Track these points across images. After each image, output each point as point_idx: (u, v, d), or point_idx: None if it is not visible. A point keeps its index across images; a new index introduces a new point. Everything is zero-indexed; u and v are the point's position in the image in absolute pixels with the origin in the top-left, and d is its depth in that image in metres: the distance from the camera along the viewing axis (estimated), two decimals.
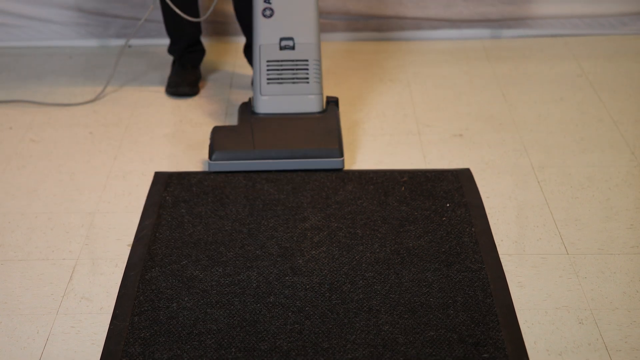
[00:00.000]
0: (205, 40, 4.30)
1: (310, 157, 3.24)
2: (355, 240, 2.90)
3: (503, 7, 4.47)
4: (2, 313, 2.63)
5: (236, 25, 4.22)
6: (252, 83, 3.44)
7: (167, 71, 4.08)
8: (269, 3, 3.28)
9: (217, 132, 3.31)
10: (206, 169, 3.32)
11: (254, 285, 2.72)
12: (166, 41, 4.24)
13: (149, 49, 4.38)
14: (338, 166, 3.24)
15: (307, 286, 2.71)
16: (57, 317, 2.61)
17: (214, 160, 3.24)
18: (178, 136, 3.61)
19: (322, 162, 3.24)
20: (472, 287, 2.69)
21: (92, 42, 4.48)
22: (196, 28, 3.91)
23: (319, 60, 3.38)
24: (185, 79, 3.92)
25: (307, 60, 3.38)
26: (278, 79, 3.38)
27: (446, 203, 3.10)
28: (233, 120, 3.66)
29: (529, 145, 3.49)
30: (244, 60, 4.11)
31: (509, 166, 3.36)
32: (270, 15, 3.30)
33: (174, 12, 3.67)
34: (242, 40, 4.23)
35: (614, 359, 2.43)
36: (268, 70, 3.37)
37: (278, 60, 3.37)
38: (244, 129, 3.32)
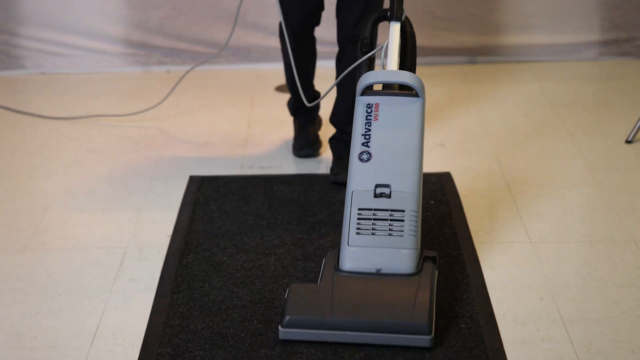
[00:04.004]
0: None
1: (395, 332, 2.33)
2: None
3: (478, 37, 4.47)
4: (66, 291, 2.66)
5: None
6: (342, 233, 2.59)
7: (198, 91, 4.07)
8: (367, 147, 2.54)
9: (293, 291, 2.44)
10: (236, 172, 3.31)
11: (272, 268, 2.74)
12: (199, 68, 4.25)
13: (182, 74, 4.38)
14: (426, 344, 2.34)
15: (315, 270, 2.72)
16: (111, 295, 2.64)
17: (286, 327, 2.37)
18: (209, 146, 3.62)
19: (407, 339, 2.33)
20: (451, 269, 2.71)
21: (137, 69, 4.49)
22: (313, 92, 3.52)
23: (418, 212, 2.51)
24: (307, 140, 3.50)
25: (403, 211, 2.49)
26: (369, 230, 2.50)
27: (430, 201, 3.11)
28: (240, 132, 3.66)
29: (500, 153, 3.50)
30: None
31: (483, 170, 3.37)
32: (367, 160, 2.54)
33: (293, 83, 3.34)
34: None
35: (568, 328, 2.44)
36: (359, 219, 2.51)
37: (371, 209, 2.51)
38: (323, 290, 2.44)
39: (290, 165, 3.44)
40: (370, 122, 2.57)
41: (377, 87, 2.60)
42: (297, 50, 3.27)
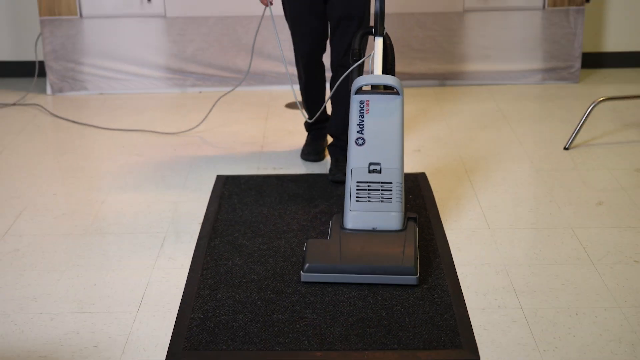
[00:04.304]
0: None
1: (389, 273, 2.48)
2: None
3: (446, 65, 4.47)
4: (117, 268, 2.64)
5: None
6: (344, 200, 2.72)
7: (224, 107, 4.06)
8: (362, 134, 2.65)
9: (310, 245, 2.58)
10: (254, 173, 3.30)
11: (282, 250, 2.71)
12: (221, 89, 4.24)
13: (213, 93, 4.38)
14: (413, 282, 2.48)
15: None
16: (153, 271, 2.62)
17: (306, 271, 2.51)
18: (232, 151, 3.60)
19: (399, 279, 2.48)
20: (426, 250, 2.68)
21: (175, 90, 4.48)
22: (323, 113, 3.49)
23: (402, 183, 2.65)
24: (314, 149, 3.48)
25: (391, 183, 2.64)
26: (365, 198, 2.65)
27: (409, 195, 3.09)
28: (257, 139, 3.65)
29: (464, 157, 3.48)
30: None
31: (451, 171, 3.35)
32: (362, 144, 2.65)
33: (308, 103, 3.36)
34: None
35: (519, 297, 2.43)
36: (357, 190, 2.65)
37: (366, 182, 2.65)
38: (333, 243, 2.59)
39: (298, 167, 3.42)
40: (363, 115, 2.66)
41: (367, 88, 2.70)
42: (308, 74, 3.29)
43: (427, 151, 3.55)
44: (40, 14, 4.34)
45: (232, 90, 3.88)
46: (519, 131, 3.78)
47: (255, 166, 3.44)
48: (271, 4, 3.17)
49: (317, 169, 3.39)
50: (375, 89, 2.68)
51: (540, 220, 2.91)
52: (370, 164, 2.65)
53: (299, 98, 3.45)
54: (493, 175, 3.29)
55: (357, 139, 2.66)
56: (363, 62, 2.76)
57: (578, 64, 4.45)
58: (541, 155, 3.49)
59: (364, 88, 2.67)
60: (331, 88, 3.25)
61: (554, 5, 4.38)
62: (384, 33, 2.77)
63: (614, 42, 4.66)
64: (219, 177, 3.31)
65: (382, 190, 2.65)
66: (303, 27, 3.19)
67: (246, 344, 2.21)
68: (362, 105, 2.65)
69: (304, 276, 2.50)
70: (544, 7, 4.39)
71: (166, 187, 3.25)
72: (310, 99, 3.38)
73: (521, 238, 2.79)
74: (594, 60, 4.68)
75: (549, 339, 2.23)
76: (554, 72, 4.47)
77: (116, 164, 3.49)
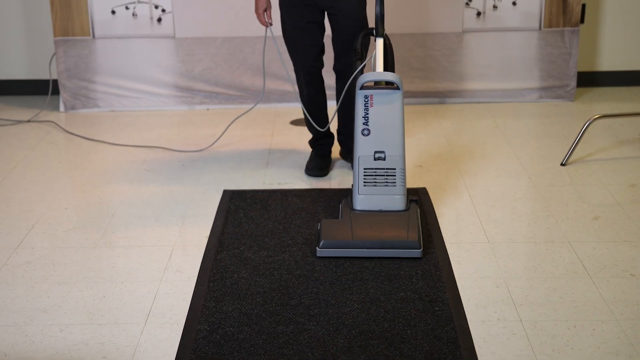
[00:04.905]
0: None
1: (396, 247, 2.67)
2: None
3: (446, 83, 4.45)
4: (126, 280, 2.61)
5: None
6: (352, 185, 2.92)
7: (232, 124, 4.04)
8: (367, 125, 2.83)
9: (324, 224, 2.77)
10: (260, 187, 3.29)
11: (287, 263, 2.68)
12: (227, 106, 4.23)
13: (220, 110, 4.37)
14: (417, 255, 2.66)
15: (321, 263, 2.67)
16: (161, 283, 2.59)
17: (322, 247, 2.69)
18: (239, 166, 3.58)
19: (405, 252, 2.66)
20: (427, 264, 2.65)
21: (184, 107, 4.47)
22: (327, 130, 3.48)
23: (404, 169, 2.85)
24: (317, 164, 3.46)
25: (394, 169, 2.84)
26: (372, 182, 2.84)
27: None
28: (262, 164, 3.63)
29: (464, 172, 3.45)
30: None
31: (451, 185, 3.32)
32: (368, 134, 2.83)
33: (312, 116, 3.38)
34: None
35: (519, 309, 2.39)
36: (365, 175, 2.85)
37: (372, 168, 2.85)
38: (345, 222, 2.78)
39: (302, 182, 3.39)
40: (367, 108, 2.85)
41: (370, 84, 2.88)
42: (310, 88, 3.33)
43: (428, 166, 3.53)
44: (55, 35, 4.34)
45: (250, 109, 3.88)
46: (517, 147, 3.75)
47: (261, 181, 3.41)
48: (271, 24, 3.25)
49: (321, 185, 3.36)
50: (378, 84, 2.87)
51: (538, 234, 2.88)
52: (376, 152, 2.84)
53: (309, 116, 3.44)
54: (492, 190, 3.26)
55: (363, 129, 2.84)
56: (366, 61, 2.97)
57: (573, 82, 4.43)
58: (539, 170, 3.46)
59: (367, 84, 2.85)
60: (336, 86, 3.34)
61: (550, 26, 4.37)
62: (384, 34, 2.95)
63: (608, 61, 4.64)
64: (225, 192, 3.28)
65: (386, 175, 2.84)
66: (304, 43, 3.24)
67: (251, 356, 2.18)
68: (366, 100, 2.83)
69: (320, 251, 2.68)
70: (540, 27, 4.38)
71: (174, 202, 3.22)
72: (315, 111, 3.40)
73: (520, 252, 2.75)
74: (589, 79, 4.66)
75: (548, 351, 2.19)
76: (550, 91, 4.45)
77: (126, 179, 3.47)
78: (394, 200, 2.84)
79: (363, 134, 2.85)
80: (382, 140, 2.84)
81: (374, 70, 2.93)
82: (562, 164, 3.52)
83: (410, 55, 4.40)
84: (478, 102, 4.45)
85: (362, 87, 2.83)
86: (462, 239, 2.85)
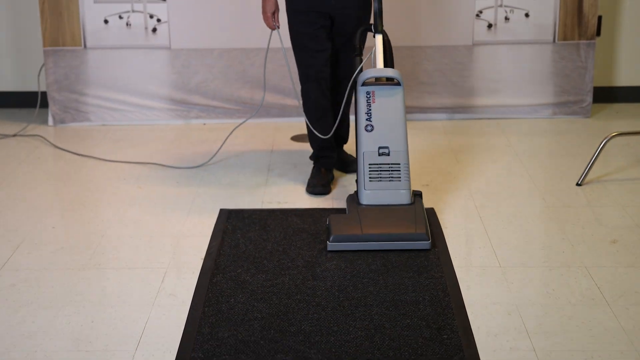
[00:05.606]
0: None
1: (405, 240, 2.83)
2: (356, 256, 2.85)
3: (455, 99, 4.46)
4: (116, 304, 2.59)
5: None
6: (357, 180, 3.08)
7: (229, 139, 4.04)
8: (370, 121, 2.98)
9: (333, 219, 2.93)
10: (258, 206, 3.28)
11: (287, 287, 2.67)
12: (225, 121, 4.22)
13: (217, 125, 4.37)
14: (426, 247, 2.83)
15: (323, 288, 2.65)
16: (153, 308, 2.57)
17: (332, 241, 2.84)
18: (236, 184, 3.57)
19: (414, 244, 2.83)
20: (435, 289, 2.64)
21: (179, 121, 4.47)
22: (330, 142, 3.49)
23: (408, 164, 3.01)
24: (319, 181, 3.46)
25: (399, 164, 3.00)
26: (377, 177, 2.99)
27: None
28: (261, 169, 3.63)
29: (473, 192, 3.44)
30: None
31: (460, 206, 3.31)
32: (371, 130, 2.98)
33: (316, 123, 3.39)
34: None
35: (532, 339, 2.37)
36: (370, 171, 3.00)
37: (377, 164, 3.00)
38: (353, 217, 2.93)
39: (303, 201, 3.38)
40: (370, 104, 3.00)
41: (371, 80, 3.03)
42: (316, 92, 3.35)
43: (435, 185, 3.52)
44: (44, 45, 4.35)
45: (250, 117, 3.93)
46: (529, 166, 3.74)
47: (260, 200, 3.40)
48: (278, 27, 3.31)
49: (323, 204, 3.35)
50: (379, 80, 3.00)
51: (552, 258, 2.86)
52: (380, 147, 2.99)
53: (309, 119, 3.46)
54: (503, 211, 3.25)
55: (367, 125, 2.99)
56: (362, 57, 3.10)
57: (589, 98, 4.43)
58: (553, 191, 3.45)
59: (368, 80, 2.99)
60: (336, 97, 3.41)
61: (565, 38, 4.37)
62: (382, 30, 3.09)
63: (626, 76, 4.64)
64: (222, 211, 3.27)
65: (391, 170, 2.99)
66: (313, 48, 3.30)
67: None
68: (368, 96, 2.99)
69: (330, 245, 2.84)
70: (554, 40, 4.38)
71: (168, 221, 3.21)
72: (320, 117, 3.40)
73: (533, 277, 2.73)
74: (606, 95, 4.66)
75: None
76: (564, 107, 4.45)
77: (117, 197, 3.46)
78: (400, 195, 2.99)
79: (367, 130, 2.99)
80: (386, 136, 3.00)
81: (374, 66, 3.06)
82: (577, 184, 3.51)
83: (418, 69, 4.41)
84: (489, 119, 4.45)
85: (364, 84, 2.97)
86: (472, 262, 2.83)
